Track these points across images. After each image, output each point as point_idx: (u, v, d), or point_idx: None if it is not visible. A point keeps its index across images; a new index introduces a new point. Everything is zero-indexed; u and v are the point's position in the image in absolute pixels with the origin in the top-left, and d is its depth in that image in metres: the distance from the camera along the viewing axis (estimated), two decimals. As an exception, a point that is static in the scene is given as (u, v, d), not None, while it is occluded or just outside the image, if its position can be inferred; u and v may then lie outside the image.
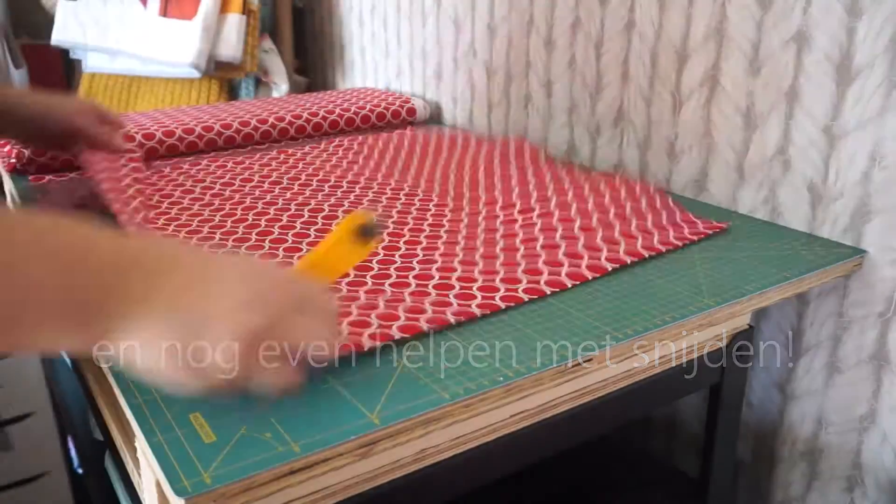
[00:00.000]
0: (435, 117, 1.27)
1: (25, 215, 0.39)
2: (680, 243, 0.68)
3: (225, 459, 0.39)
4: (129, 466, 0.50)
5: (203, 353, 0.38)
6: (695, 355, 0.60)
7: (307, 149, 1.00)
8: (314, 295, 0.44)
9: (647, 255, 0.65)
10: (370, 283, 0.61)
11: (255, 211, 0.77)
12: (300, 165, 0.92)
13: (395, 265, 0.64)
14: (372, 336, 0.50)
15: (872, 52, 0.64)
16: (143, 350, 0.38)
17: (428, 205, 0.79)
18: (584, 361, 0.51)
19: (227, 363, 0.39)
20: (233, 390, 0.40)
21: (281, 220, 0.75)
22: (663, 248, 0.67)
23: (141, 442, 0.42)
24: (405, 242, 0.68)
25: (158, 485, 0.41)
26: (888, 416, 0.69)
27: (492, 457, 0.50)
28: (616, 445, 0.83)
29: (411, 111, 1.18)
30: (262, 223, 0.73)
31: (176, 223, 0.73)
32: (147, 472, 0.43)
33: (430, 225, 0.73)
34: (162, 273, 0.39)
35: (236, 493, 0.39)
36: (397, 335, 0.51)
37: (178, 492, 0.37)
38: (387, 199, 0.81)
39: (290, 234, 0.71)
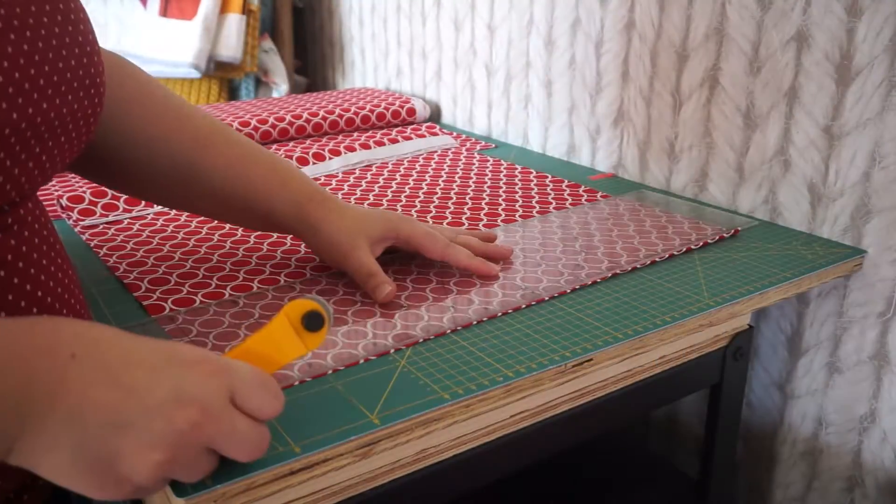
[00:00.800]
0: (435, 117, 1.27)
1: None
2: (685, 249, 0.67)
3: (225, 459, 0.39)
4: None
5: (116, 462, 0.32)
6: (695, 355, 0.60)
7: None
8: (251, 383, 0.36)
9: (649, 262, 0.65)
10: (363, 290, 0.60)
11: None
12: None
13: (393, 266, 0.64)
14: (365, 347, 0.51)
15: (872, 52, 0.64)
16: (48, 461, 0.32)
17: (426, 216, 0.78)
18: (585, 361, 0.51)
19: (145, 477, 0.33)
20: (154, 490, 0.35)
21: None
22: (667, 255, 0.66)
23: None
24: (398, 259, 0.66)
25: (158, 485, 0.41)
26: (888, 416, 0.69)
27: (492, 457, 0.50)
28: (616, 445, 0.83)
29: (411, 111, 1.18)
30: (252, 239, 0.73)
31: (161, 234, 0.73)
32: (147, 473, 0.43)
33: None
34: (71, 360, 0.32)
35: (236, 494, 0.39)
36: (392, 344, 0.51)
37: (179, 492, 0.37)
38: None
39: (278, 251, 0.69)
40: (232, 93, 1.51)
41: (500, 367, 0.48)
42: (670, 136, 0.85)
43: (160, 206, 0.79)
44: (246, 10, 1.41)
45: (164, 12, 1.41)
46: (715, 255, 0.67)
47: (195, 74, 1.38)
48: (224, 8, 1.40)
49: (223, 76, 1.46)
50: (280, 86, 1.51)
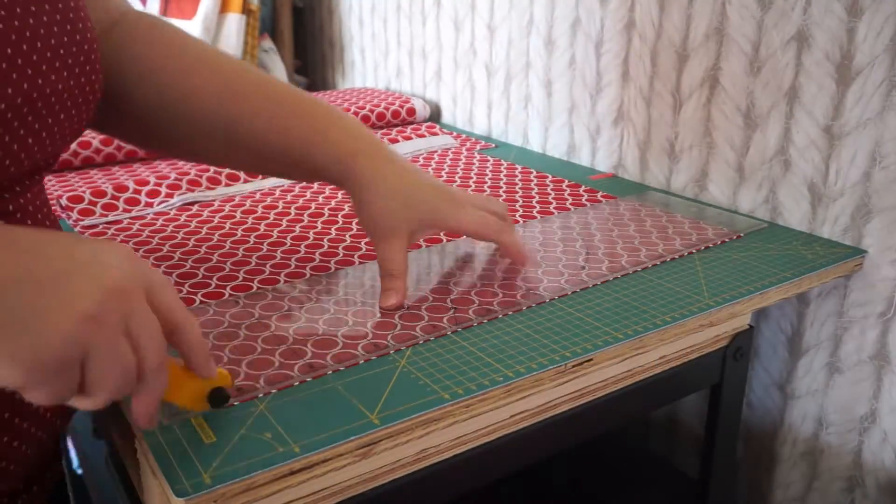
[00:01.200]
0: (435, 117, 1.27)
1: None
2: (686, 251, 0.67)
3: (225, 460, 0.39)
4: (129, 466, 0.50)
5: (33, 323, 0.30)
6: (695, 355, 0.60)
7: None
8: (167, 286, 0.36)
9: (651, 265, 0.65)
10: (363, 290, 0.61)
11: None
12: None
13: None
14: (365, 347, 0.51)
15: (872, 51, 0.64)
16: None
17: None
18: (585, 361, 0.51)
19: (67, 337, 0.31)
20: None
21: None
22: (669, 258, 0.66)
23: (141, 442, 0.42)
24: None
25: (159, 485, 0.41)
26: (888, 416, 0.69)
27: (492, 457, 0.50)
28: (616, 445, 0.83)
29: (411, 111, 1.18)
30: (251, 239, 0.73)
31: (161, 234, 0.73)
32: (147, 473, 0.43)
33: (425, 239, 0.71)
34: None
35: (236, 494, 0.39)
36: (393, 345, 0.51)
37: (179, 492, 0.37)
38: None
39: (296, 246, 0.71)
40: (232, 93, 1.51)
41: (500, 367, 0.48)
42: (670, 136, 0.85)
43: (161, 206, 0.79)
44: (246, 10, 1.41)
45: (164, 12, 1.41)
46: (715, 255, 0.67)
47: (195, 74, 1.38)
48: (224, 8, 1.40)
49: (223, 76, 1.45)
50: (280, 86, 1.50)
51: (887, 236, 0.66)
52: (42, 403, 0.32)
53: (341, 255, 0.67)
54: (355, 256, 0.66)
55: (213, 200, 0.82)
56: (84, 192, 0.79)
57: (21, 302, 0.30)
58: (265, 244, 0.69)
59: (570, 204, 0.80)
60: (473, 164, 0.97)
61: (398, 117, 1.17)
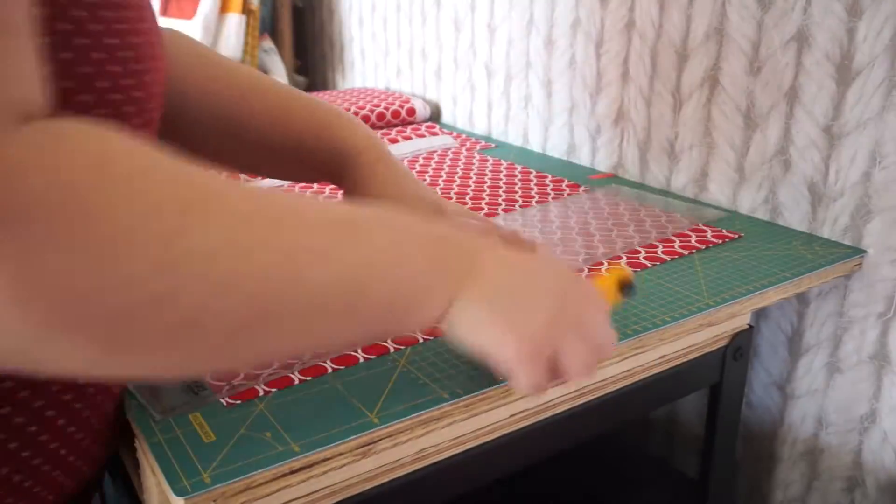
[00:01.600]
0: (435, 117, 1.27)
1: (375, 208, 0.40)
2: (685, 252, 0.67)
3: (225, 459, 0.39)
4: (129, 466, 0.50)
5: (515, 316, 0.40)
6: (695, 355, 0.60)
7: None
8: (598, 322, 0.43)
9: (650, 265, 0.65)
10: None
11: None
12: None
13: None
14: (365, 348, 0.51)
15: (872, 51, 0.64)
16: (472, 314, 0.40)
17: None
18: (584, 361, 0.51)
19: (538, 328, 0.40)
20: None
21: None
22: (668, 259, 0.66)
23: (141, 442, 0.42)
24: None
25: (158, 485, 0.41)
26: (888, 416, 0.69)
27: (492, 457, 0.50)
28: (616, 445, 0.83)
29: (411, 111, 1.18)
30: None
31: None
32: (147, 472, 0.43)
33: None
34: (484, 258, 0.41)
35: (236, 493, 0.39)
36: (392, 346, 0.51)
37: (178, 492, 0.37)
38: None
39: None
40: (232, 93, 1.51)
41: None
42: (670, 136, 0.85)
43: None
44: (246, 10, 1.41)
45: (164, 12, 1.41)
46: (715, 255, 0.67)
47: (195, 74, 1.38)
48: (224, 8, 1.40)
49: (223, 76, 1.45)
50: (280, 86, 1.50)
51: (887, 236, 0.66)
52: (524, 389, 0.41)
53: None
54: None
55: None
56: None
57: (508, 305, 0.40)
58: None
59: (570, 203, 0.80)
60: (473, 163, 0.97)
61: (398, 117, 1.17)
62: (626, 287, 0.49)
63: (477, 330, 0.40)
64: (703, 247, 0.68)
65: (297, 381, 0.47)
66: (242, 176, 0.82)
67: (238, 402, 0.44)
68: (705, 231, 0.72)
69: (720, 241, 0.70)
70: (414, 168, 0.95)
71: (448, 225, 0.42)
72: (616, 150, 0.93)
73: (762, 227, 0.74)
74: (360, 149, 0.58)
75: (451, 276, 0.39)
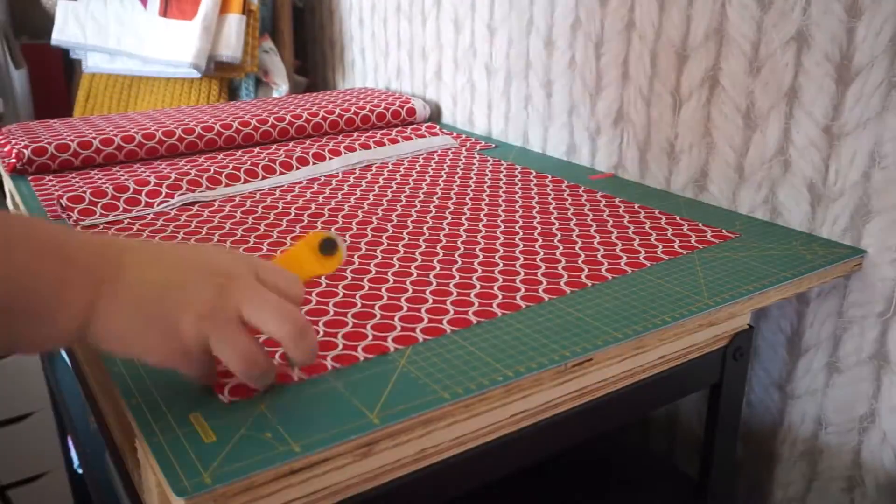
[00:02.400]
0: (435, 117, 1.27)
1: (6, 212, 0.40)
2: (684, 251, 0.67)
3: (225, 459, 0.39)
4: (129, 466, 0.50)
5: (167, 319, 0.41)
6: (695, 355, 0.60)
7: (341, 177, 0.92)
8: (272, 269, 0.44)
9: (649, 265, 0.65)
10: (362, 292, 0.61)
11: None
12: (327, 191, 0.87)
13: (393, 269, 0.64)
14: (365, 348, 0.51)
15: (872, 51, 0.64)
16: (116, 325, 0.40)
17: (426, 216, 0.78)
18: (584, 361, 0.51)
19: (190, 330, 0.40)
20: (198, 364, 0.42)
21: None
22: (667, 258, 0.66)
23: (141, 442, 0.42)
24: (399, 259, 0.66)
25: (159, 485, 0.41)
26: (888, 416, 0.69)
27: (492, 457, 0.50)
28: (616, 445, 0.83)
29: (411, 111, 1.18)
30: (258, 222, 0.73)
31: (161, 234, 0.73)
32: (147, 472, 0.43)
33: (425, 240, 0.71)
34: (125, 251, 0.42)
35: (236, 493, 0.39)
36: (392, 346, 0.51)
37: (179, 492, 0.37)
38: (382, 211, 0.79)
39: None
40: (232, 93, 1.51)
41: (500, 367, 0.48)
42: (670, 136, 0.85)
43: (161, 206, 0.79)
44: (246, 10, 1.41)
45: (164, 12, 1.41)
46: (715, 255, 0.67)
47: (195, 74, 1.38)
48: (224, 8, 1.40)
49: (223, 76, 1.46)
50: (280, 86, 1.51)
51: (887, 236, 0.66)
52: (195, 381, 0.43)
53: None
54: (355, 257, 0.66)
55: (214, 201, 0.83)
56: (84, 192, 0.79)
57: (155, 308, 0.40)
58: (265, 244, 0.69)
59: (570, 204, 0.80)
60: (473, 164, 0.97)
61: (398, 117, 1.17)
62: (325, 245, 0.49)
63: (123, 342, 0.40)
64: (702, 247, 0.68)
65: (296, 379, 0.47)
66: None
67: (237, 399, 0.45)
68: (705, 231, 0.72)
69: (719, 241, 0.70)
70: (414, 168, 0.96)
71: (93, 237, 0.43)
72: (616, 151, 0.93)
73: (762, 227, 0.74)
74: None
75: (86, 282, 0.39)
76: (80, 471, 1.21)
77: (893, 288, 0.66)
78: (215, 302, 0.41)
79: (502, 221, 0.76)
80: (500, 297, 0.58)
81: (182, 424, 0.42)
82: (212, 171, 0.87)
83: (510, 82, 1.09)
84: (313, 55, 1.72)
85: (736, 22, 0.75)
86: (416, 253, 0.67)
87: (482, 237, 0.71)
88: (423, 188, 0.87)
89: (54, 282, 0.38)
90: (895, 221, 0.65)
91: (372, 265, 0.64)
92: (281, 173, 0.91)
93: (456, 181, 0.90)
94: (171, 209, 0.79)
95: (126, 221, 0.76)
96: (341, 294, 0.59)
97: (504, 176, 0.91)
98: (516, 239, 0.70)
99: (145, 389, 0.46)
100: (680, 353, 0.59)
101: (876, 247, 0.67)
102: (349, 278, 0.62)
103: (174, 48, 1.37)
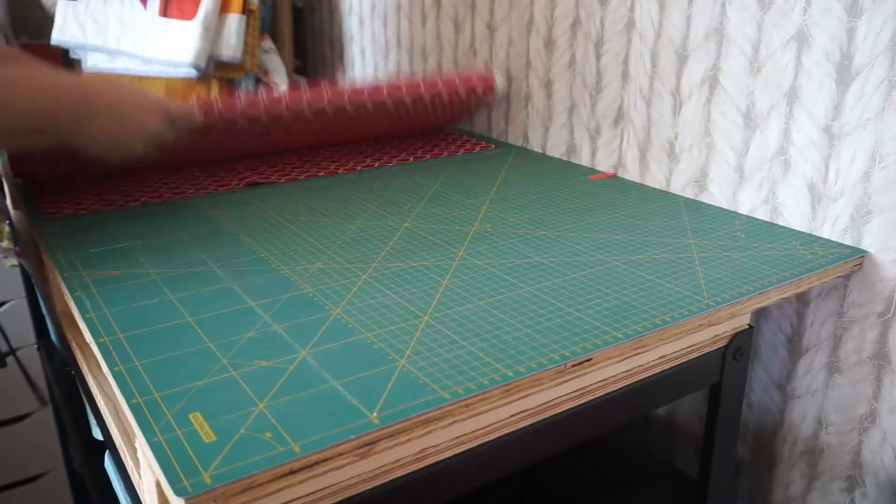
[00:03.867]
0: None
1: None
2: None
3: (225, 459, 0.39)
4: (129, 466, 0.50)
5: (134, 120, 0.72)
6: (694, 355, 0.60)
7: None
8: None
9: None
10: None
11: None
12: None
13: None
14: None
15: (872, 51, 0.64)
16: (100, 126, 0.70)
17: None
18: (584, 361, 0.51)
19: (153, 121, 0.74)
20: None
21: None
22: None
23: (141, 442, 0.42)
24: None
25: (158, 485, 0.41)
26: (888, 416, 0.69)
27: (492, 457, 0.50)
28: (616, 445, 0.83)
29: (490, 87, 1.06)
30: None
31: None
32: (147, 472, 0.43)
33: None
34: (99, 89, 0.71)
35: (236, 493, 0.39)
36: None
37: (178, 492, 0.37)
38: None
39: None
40: (232, 93, 1.51)
41: (500, 367, 0.48)
42: (670, 136, 0.85)
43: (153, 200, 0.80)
44: (246, 10, 1.41)
45: (164, 12, 1.41)
46: (715, 254, 0.67)
47: (195, 74, 1.38)
48: (224, 8, 1.39)
49: (223, 76, 1.45)
50: (280, 86, 1.51)
51: (887, 236, 0.66)
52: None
53: None
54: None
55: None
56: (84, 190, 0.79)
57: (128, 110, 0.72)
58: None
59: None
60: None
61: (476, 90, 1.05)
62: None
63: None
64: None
65: (295, 380, 0.47)
66: None
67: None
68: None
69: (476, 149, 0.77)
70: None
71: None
72: (616, 150, 0.93)
73: (762, 227, 0.74)
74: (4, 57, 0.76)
75: (76, 113, 0.67)
76: (80, 471, 1.21)
77: (893, 288, 0.66)
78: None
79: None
80: None
81: (182, 424, 0.42)
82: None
83: (510, 82, 1.09)
84: (313, 55, 1.72)
85: (736, 22, 0.75)
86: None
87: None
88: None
89: (60, 112, 0.66)
90: (895, 221, 0.65)
91: None
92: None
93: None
94: None
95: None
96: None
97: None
98: None
99: (145, 389, 0.46)
100: (680, 353, 0.59)
101: (876, 247, 0.67)
102: None
103: (174, 48, 1.37)
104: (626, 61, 0.89)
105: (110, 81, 0.78)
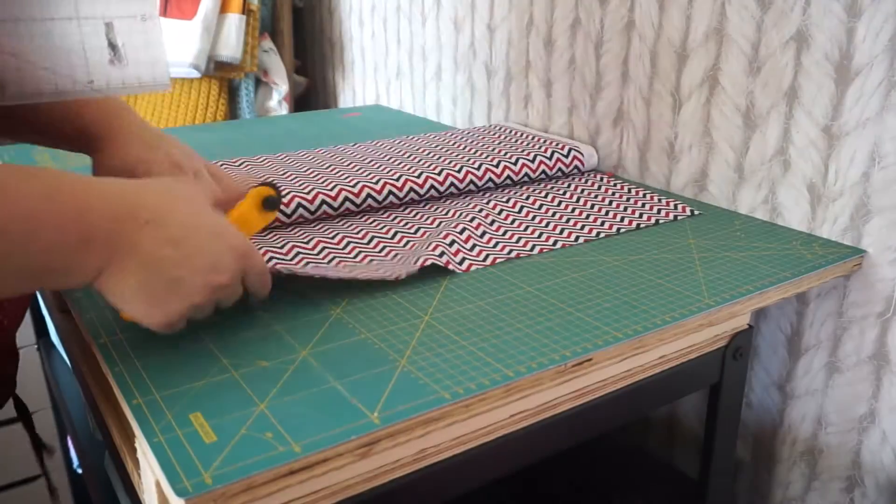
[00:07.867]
0: (434, 117, 1.27)
1: (32, 170, 0.44)
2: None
3: (225, 459, 0.39)
4: (129, 466, 0.50)
5: (169, 295, 0.47)
6: (694, 355, 0.60)
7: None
8: (253, 254, 0.52)
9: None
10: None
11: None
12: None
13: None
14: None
15: (872, 51, 0.64)
16: (124, 289, 0.46)
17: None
18: (584, 361, 0.51)
19: (188, 303, 0.48)
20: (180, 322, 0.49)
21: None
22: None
23: (141, 442, 0.42)
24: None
25: (158, 485, 0.41)
26: (888, 416, 0.69)
27: (492, 457, 0.50)
28: (616, 445, 0.83)
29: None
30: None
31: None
32: (147, 472, 0.43)
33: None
34: (146, 224, 0.46)
35: (237, 493, 0.39)
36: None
37: (179, 492, 0.37)
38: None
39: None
40: (232, 93, 1.51)
41: (500, 367, 0.48)
42: (670, 136, 0.85)
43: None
44: (246, 10, 1.41)
45: (164, 12, 1.41)
46: (715, 254, 0.67)
47: (195, 74, 1.38)
48: (224, 8, 1.40)
49: (223, 76, 1.46)
50: (280, 86, 1.51)
51: (887, 236, 0.66)
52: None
53: None
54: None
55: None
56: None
57: (157, 288, 0.47)
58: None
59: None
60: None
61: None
62: (267, 202, 0.57)
63: (126, 301, 0.47)
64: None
65: (295, 380, 0.47)
66: None
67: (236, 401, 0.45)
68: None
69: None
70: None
71: (136, 190, 0.48)
72: (616, 150, 0.93)
73: (762, 227, 0.74)
74: (112, 114, 0.62)
75: (96, 252, 0.44)
76: (79, 471, 1.21)
77: (893, 288, 0.66)
78: (209, 275, 0.48)
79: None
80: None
81: (182, 424, 0.42)
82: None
83: (510, 82, 1.09)
84: (313, 55, 1.72)
85: (736, 22, 0.75)
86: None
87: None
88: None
89: (74, 253, 0.44)
90: (895, 221, 0.65)
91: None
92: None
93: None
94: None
95: None
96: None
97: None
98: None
99: (145, 389, 0.46)
100: (680, 353, 0.59)
101: (876, 247, 0.67)
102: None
103: (174, 48, 1.37)
104: (625, 61, 0.89)
105: (175, 191, 0.50)
